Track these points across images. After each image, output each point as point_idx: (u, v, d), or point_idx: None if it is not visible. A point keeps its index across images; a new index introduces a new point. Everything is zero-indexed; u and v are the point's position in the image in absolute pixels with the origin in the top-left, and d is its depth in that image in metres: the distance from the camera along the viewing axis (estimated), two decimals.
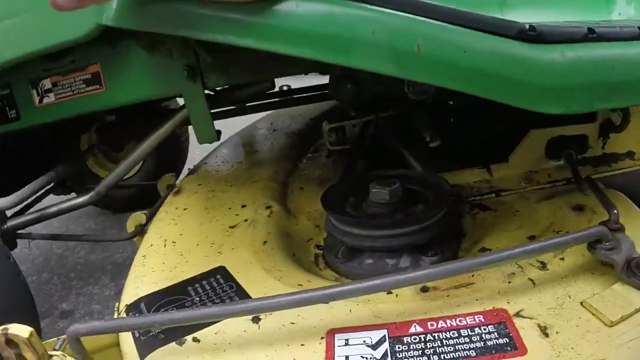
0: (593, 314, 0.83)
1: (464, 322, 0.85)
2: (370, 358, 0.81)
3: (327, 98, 2.17)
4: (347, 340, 0.86)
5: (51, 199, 2.04)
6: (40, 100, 1.53)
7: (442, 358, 0.79)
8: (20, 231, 1.80)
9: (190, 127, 2.05)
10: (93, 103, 1.47)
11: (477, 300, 0.89)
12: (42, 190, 2.09)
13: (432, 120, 1.56)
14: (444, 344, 0.81)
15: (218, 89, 1.65)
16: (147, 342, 0.96)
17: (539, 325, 0.82)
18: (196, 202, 1.53)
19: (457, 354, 0.79)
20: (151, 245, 1.32)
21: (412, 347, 0.82)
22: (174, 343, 0.93)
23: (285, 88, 2.53)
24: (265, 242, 1.24)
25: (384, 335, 0.85)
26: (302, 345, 0.86)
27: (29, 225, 1.78)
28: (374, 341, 0.84)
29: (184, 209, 1.49)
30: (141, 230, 1.65)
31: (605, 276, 0.91)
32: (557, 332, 0.80)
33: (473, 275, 0.95)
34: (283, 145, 1.92)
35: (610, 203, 1.01)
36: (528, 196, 1.29)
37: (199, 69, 1.37)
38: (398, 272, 0.85)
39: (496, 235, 1.17)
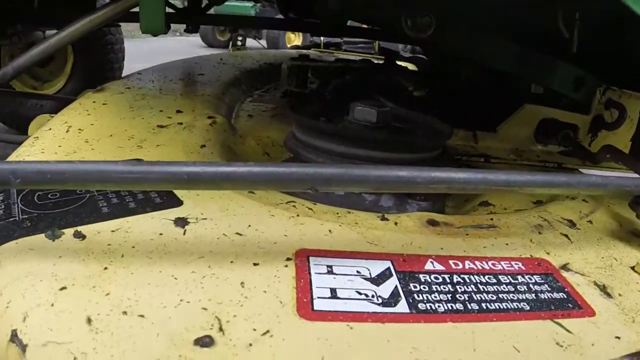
0: None
1: (500, 267, 0.62)
2: (374, 296, 0.53)
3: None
4: (330, 267, 0.56)
5: None
6: None
7: (485, 308, 0.54)
8: None
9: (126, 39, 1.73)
10: None
11: (507, 245, 0.68)
12: None
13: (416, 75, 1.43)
14: (481, 289, 0.57)
15: None
16: (3, 229, 0.60)
17: (595, 284, 0.62)
18: (120, 100, 1.17)
19: (503, 304, 0.55)
20: (49, 129, 0.93)
21: (434, 288, 0.56)
22: (42, 235, 0.58)
23: (240, 39, 2.24)
24: (203, 146, 0.86)
25: (388, 268, 0.58)
26: (255, 264, 0.55)
27: None
28: (375, 273, 0.57)
29: (103, 104, 1.13)
30: None
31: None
32: (619, 295, 0.61)
33: (492, 219, 0.74)
34: (232, 76, 1.55)
35: None
36: (520, 169, 1.12)
37: None
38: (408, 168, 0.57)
39: (497, 194, 0.97)
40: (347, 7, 1.09)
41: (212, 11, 2.31)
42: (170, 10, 1.73)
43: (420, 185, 0.56)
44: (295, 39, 8.51)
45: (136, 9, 1.13)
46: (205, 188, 0.50)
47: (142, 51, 5.73)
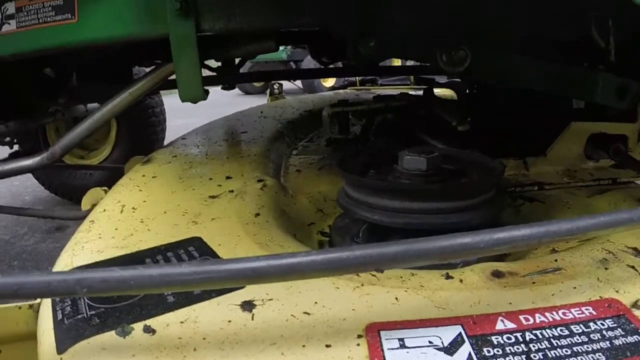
0: None
1: (571, 316, 0.59)
2: None
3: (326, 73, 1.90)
4: (401, 340, 0.54)
5: None
6: None
7: None
8: None
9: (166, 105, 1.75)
10: (59, 36, 1.12)
11: (574, 288, 0.65)
12: None
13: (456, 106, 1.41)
14: (554, 344, 0.54)
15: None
16: (73, 328, 0.60)
17: None
18: (168, 171, 1.18)
19: (578, 358, 0.52)
20: (104, 210, 0.94)
21: (507, 350, 0.54)
22: (112, 332, 0.58)
23: (276, 86, 2.26)
24: (257, 214, 0.87)
25: (460, 334, 0.56)
26: (327, 346, 0.53)
27: None
28: (447, 342, 0.55)
29: (153, 177, 1.13)
30: None
31: None
32: None
33: (556, 260, 0.72)
34: (275, 129, 1.56)
35: None
36: (574, 192, 1.10)
37: (194, 4, 1.03)
38: (465, 234, 0.54)
39: None
40: (379, 50, 1.09)
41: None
42: (209, 73, 1.75)
43: (484, 250, 0.54)
44: (329, 79, 8.56)
45: (174, 77, 1.14)
46: (271, 281, 0.50)
47: (183, 106, 5.80)
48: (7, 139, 2.21)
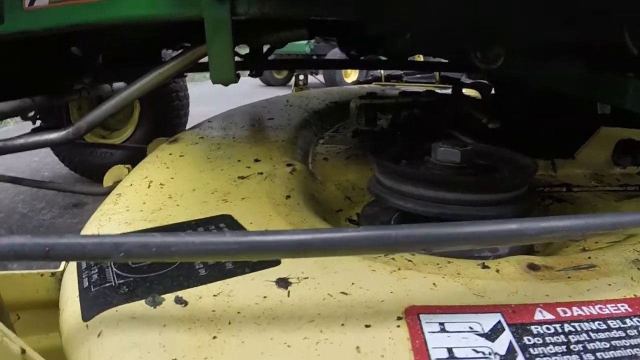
0: None
1: (607, 311, 0.58)
2: (490, 354, 0.50)
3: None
4: (442, 324, 0.54)
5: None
6: (32, 2, 1.17)
7: (600, 358, 0.51)
8: None
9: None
10: (93, 13, 1.11)
11: (609, 285, 0.64)
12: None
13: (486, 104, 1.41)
14: (592, 337, 0.54)
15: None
16: (100, 295, 0.60)
17: None
18: (195, 151, 1.16)
19: (617, 352, 0.52)
20: (130, 185, 0.93)
21: (548, 340, 0.53)
22: (142, 302, 0.57)
23: (301, 77, 2.26)
24: (288, 196, 0.85)
25: (499, 321, 0.55)
26: (366, 326, 0.52)
27: None
28: (487, 328, 0.54)
29: (180, 156, 1.12)
30: None
31: None
32: None
33: (589, 258, 0.71)
34: (302, 118, 1.55)
35: None
36: (602, 195, 1.11)
37: None
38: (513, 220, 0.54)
39: None
40: (417, 44, 1.07)
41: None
42: (238, 59, 1.75)
43: (531, 237, 0.53)
44: (351, 73, 8.54)
45: (205, 59, 1.13)
46: (314, 255, 0.48)
47: (203, 94, 5.83)
48: (31, 114, 2.20)
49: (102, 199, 1.07)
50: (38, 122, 2.40)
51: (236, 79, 1.11)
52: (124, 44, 1.90)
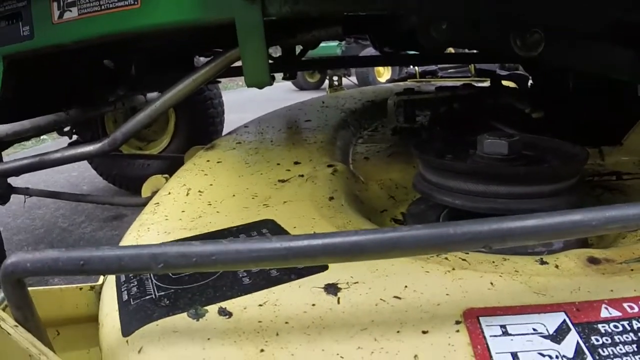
0: None
1: None
2: (558, 357, 0.48)
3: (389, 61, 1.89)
4: (503, 327, 0.51)
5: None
6: (61, 16, 1.16)
7: None
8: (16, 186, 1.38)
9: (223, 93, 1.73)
10: (122, 22, 1.10)
11: None
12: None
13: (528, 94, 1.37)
14: None
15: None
16: (140, 309, 0.57)
17: None
18: (233, 157, 1.15)
19: None
20: (169, 194, 0.91)
21: (617, 339, 0.50)
22: (184, 314, 0.54)
23: (335, 78, 2.23)
24: (331, 198, 0.83)
25: (564, 321, 0.52)
26: (423, 332, 0.49)
27: (24, 172, 1.36)
28: (552, 329, 0.51)
29: (218, 162, 1.11)
30: None
31: None
32: None
33: None
34: (339, 118, 1.53)
35: None
36: None
37: None
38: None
39: None
40: (455, 36, 1.04)
41: None
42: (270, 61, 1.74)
43: (597, 228, 0.49)
44: (384, 72, 8.51)
45: (238, 64, 1.11)
46: (369, 258, 0.45)
47: (236, 101, 5.86)
48: (67, 128, 2.21)
49: (141, 211, 1.06)
50: (74, 137, 2.42)
51: (271, 81, 1.09)
52: (156, 53, 1.90)
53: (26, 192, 1.52)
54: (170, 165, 2.30)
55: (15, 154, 1.49)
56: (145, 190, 1.32)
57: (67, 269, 0.47)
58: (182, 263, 0.44)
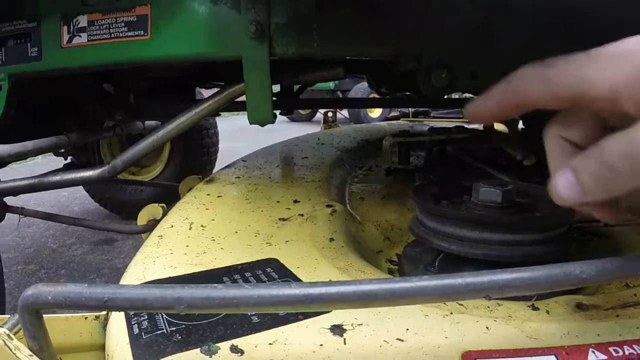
0: None
1: None
2: None
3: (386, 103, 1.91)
4: None
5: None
6: (70, 40, 1.18)
7: None
8: (11, 204, 1.40)
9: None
10: (130, 52, 1.13)
11: None
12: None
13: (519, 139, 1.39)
14: None
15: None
16: (153, 344, 0.59)
17: None
18: (234, 191, 1.18)
19: None
20: (171, 226, 0.94)
21: None
22: (197, 350, 0.56)
23: (330, 114, 2.27)
24: (331, 239, 0.86)
25: None
26: None
27: (23, 192, 1.38)
28: None
29: (218, 196, 1.13)
30: (155, 225, 1.25)
31: None
32: None
33: (635, 295, 0.71)
34: (335, 156, 1.56)
35: None
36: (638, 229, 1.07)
37: (268, 28, 1.03)
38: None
39: None
40: (451, 82, 1.08)
41: None
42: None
43: (588, 281, 0.53)
44: (376, 109, 8.57)
45: (241, 98, 1.14)
46: (381, 305, 0.49)
47: (228, 130, 5.88)
48: (62, 150, 2.23)
49: (133, 237, 1.08)
50: (69, 159, 2.44)
51: (273, 119, 1.12)
52: (156, 81, 1.93)
53: (21, 211, 1.54)
54: (164, 192, 2.32)
55: (2, 170, 1.51)
56: (141, 219, 1.34)
57: (89, 305, 0.49)
58: (205, 305, 0.46)
